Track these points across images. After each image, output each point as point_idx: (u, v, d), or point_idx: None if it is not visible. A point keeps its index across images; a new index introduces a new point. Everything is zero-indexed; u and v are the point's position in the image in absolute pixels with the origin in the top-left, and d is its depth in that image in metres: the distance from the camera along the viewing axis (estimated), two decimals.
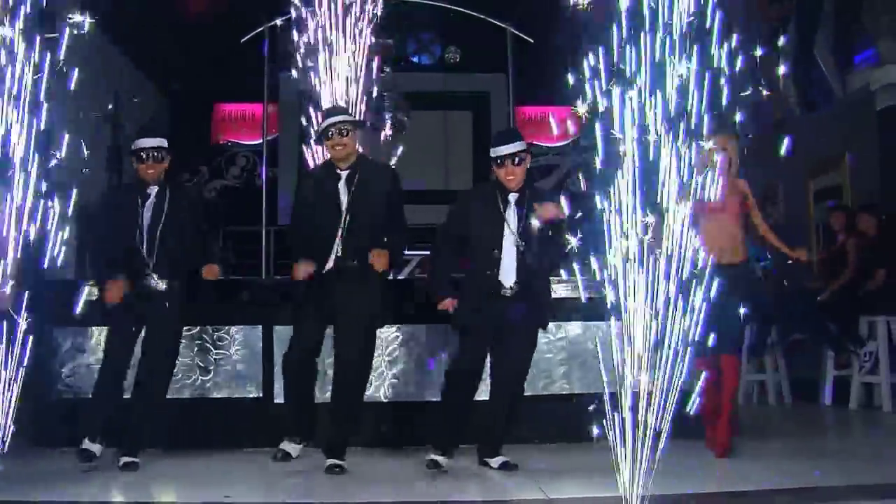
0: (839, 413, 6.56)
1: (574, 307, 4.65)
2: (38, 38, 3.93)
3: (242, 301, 5.27)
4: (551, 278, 4.46)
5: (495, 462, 4.27)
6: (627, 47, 3.13)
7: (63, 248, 4.07)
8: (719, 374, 4.41)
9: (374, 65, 6.42)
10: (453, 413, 4.27)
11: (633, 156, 3.06)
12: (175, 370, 4.62)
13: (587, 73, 3.20)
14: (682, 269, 3.08)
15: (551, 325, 4.62)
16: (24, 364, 3.96)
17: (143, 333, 4.44)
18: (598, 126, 3.15)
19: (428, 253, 6.82)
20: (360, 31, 6.51)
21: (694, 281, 3.08)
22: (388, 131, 7.57)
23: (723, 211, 4.29)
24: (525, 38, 7.76)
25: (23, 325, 3.90)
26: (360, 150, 4.59)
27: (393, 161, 7.15)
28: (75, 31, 3.96)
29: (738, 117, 3.40)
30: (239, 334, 5.15)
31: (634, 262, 3.02)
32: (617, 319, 3.06)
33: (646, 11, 3.14)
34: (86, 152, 3.89)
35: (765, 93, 3.71)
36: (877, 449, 5.15)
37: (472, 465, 4.36)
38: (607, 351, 3.13)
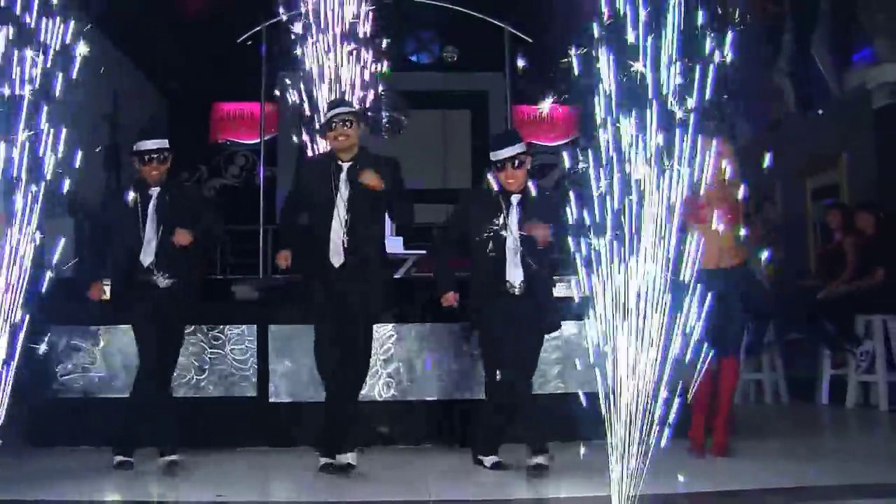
0: (836, 412, 6.56)
1: (569, 306, 4.65)
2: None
3: (237, 300, 5.29)
4: (554, 278, 4.47)
5: (489, 461, 4.27)
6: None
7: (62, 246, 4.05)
8: (715, 377, 4.42)
9: (369, 63, 6.42)
10: (500, 419, 4.27)
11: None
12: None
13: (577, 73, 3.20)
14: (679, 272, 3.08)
15: None
16: (13, 362, 3.93)
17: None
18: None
19: (424, 252, 6.85)
20: (358, 32, 6.55)
21: (684, 283, 3.07)
22: (385, 132, 7.60)
23: (707, 217, 4.27)
24: (523, 37, 7.75)
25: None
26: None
27: None
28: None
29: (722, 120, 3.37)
30: (234, 333, 5.16)
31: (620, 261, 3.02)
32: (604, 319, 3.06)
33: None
34: (78, 160, 3.86)
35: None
36: (873, 448, 5.16)
37: (466, 464, 4.37)
38: (598, 350, 3.13)
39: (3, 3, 3.62)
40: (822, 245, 7.97)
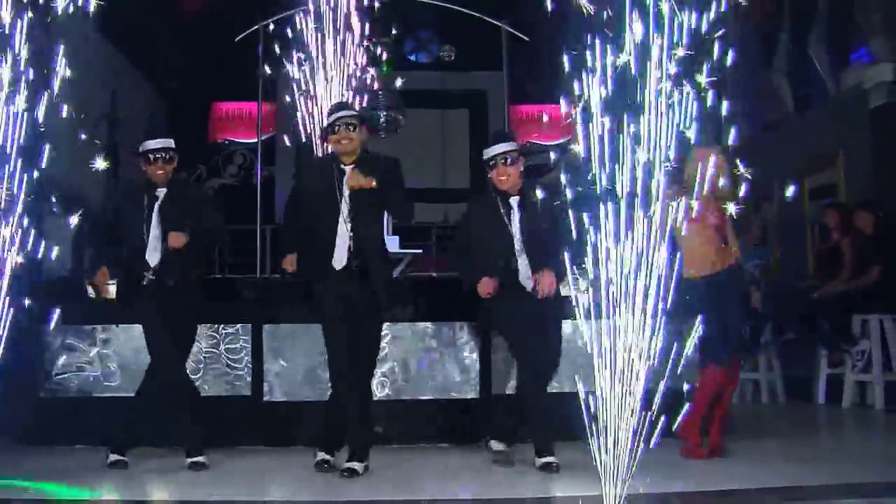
0: (832, 412, 6.55)
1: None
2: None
3: (232, 300, 5.29)
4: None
5: (495, 446, 4.31)
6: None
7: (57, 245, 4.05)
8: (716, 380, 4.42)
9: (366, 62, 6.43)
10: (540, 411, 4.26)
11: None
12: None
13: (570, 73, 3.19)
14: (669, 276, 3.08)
15: None
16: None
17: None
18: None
19: (420, 252, 6.88)
20: (354, 32, 6.55)
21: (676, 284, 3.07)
22: (382, 131, 7.60)
23: (708, 220, 4.27)
24: (521, 36, 7.75)
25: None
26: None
27: None
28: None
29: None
30: (228, 332, 5.17)
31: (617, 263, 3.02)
32: (597, 319, 3.07)
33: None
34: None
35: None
36: (869, 448, 5.16)
37: (462, 464, 4.37)
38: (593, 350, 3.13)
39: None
40: (819, 245, 7.97)
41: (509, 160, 4.28)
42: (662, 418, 3.00)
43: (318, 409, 4.94)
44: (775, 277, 7.86)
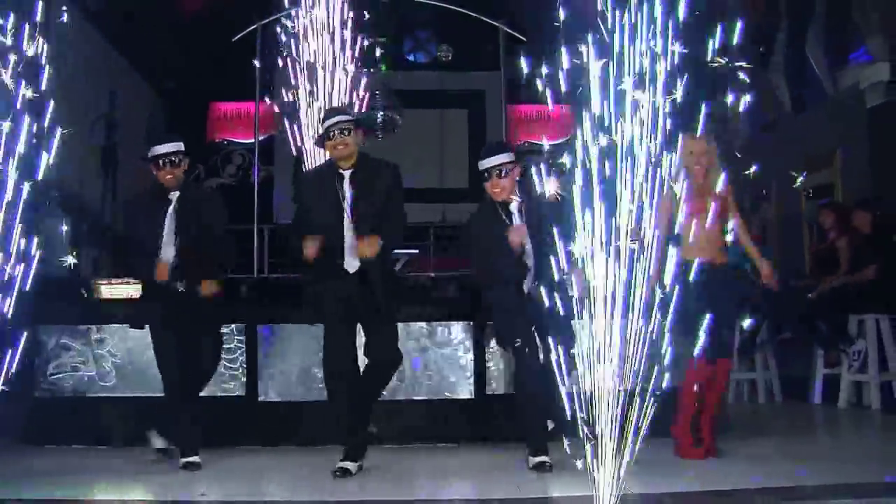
0: (828, 411, 6.55)
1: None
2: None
3: (227, 299, 5.28)
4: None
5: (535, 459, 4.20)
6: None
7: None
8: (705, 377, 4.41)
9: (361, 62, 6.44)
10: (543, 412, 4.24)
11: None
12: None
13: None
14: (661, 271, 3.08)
15: None
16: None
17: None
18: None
19: (417, 252, 6.89)
20: (351, 32, 6.56)
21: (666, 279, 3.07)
22: (379, 131, 7.61)
23: (702, 212, 4.28)
24: (518, 36, 7.75)
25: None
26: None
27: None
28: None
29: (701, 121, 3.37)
30: (223, 333, 5.15)
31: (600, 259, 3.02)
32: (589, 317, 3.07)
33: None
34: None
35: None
36: (865, 448, 5.15)
37: (455, 464, 4.37)
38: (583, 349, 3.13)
39: None
40: (816, 244, 7.97)
41: (503, 172, 4.32)
42: (649, 415, 3.00)
43: (312, 410, 4.97)
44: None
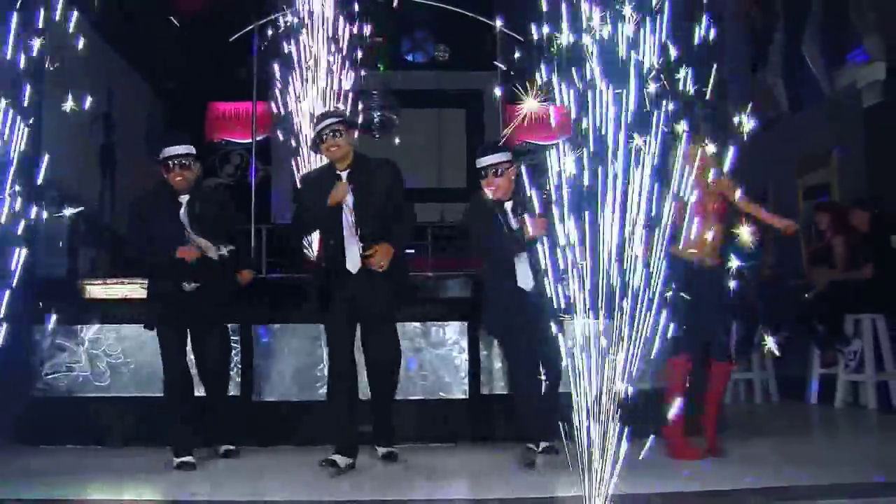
0: (825, 411, 6.56)
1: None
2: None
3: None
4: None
5: (538, 447, 4.25)
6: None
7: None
8: (699, 379, 4.42)
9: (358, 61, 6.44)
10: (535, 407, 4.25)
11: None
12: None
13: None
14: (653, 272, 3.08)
15: None
16: None
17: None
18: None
19: (414, 252, 6.89)
20: (347, 31, 6.56)
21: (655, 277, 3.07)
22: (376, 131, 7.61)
23: (700, 213, 4.27)
24: (515, 36, 7.75)
25: None
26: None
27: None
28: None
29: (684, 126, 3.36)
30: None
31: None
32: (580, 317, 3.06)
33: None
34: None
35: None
36: (861, 448, 5.15)
37: (450, 464, 4.37)
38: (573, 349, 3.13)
39: None
40: (813, 244, 7.96)
41: (499, 171, 4.35)
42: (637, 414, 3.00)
43: (308, 409, 4.98)
44: (770, 278, 7.85)
